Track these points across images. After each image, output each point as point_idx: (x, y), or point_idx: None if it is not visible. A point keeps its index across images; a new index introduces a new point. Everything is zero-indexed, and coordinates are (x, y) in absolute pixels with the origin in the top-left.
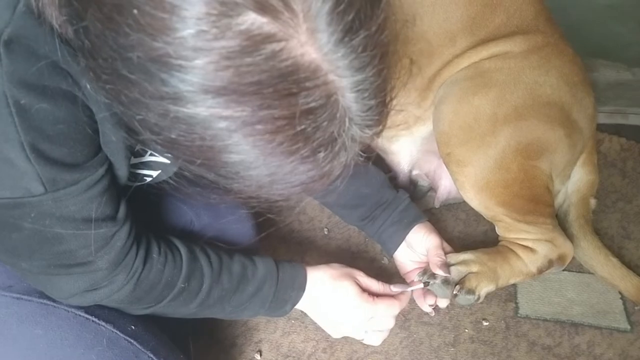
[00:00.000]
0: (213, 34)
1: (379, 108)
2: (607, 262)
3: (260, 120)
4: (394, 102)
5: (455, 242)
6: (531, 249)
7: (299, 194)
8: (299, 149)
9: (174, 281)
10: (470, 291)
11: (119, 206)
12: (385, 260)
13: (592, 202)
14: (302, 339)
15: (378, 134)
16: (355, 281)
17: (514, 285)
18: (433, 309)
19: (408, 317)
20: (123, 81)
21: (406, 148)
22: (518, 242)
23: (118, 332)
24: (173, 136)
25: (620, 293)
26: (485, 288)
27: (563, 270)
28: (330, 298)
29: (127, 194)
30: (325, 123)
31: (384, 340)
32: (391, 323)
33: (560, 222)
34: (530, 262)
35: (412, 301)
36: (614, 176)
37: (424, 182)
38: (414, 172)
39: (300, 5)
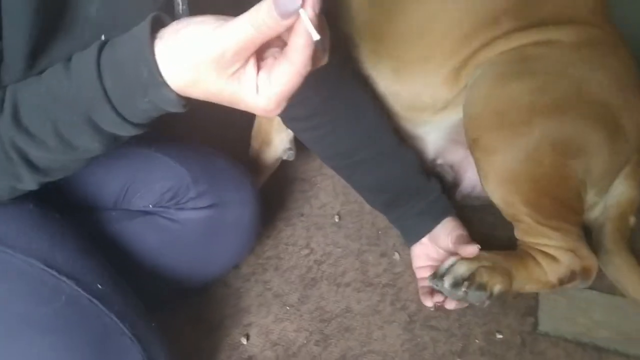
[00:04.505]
0: None
1: None
2: None
3: None
4: None
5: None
6: (553, 257)
7: None
8: None
9: None
10: (481, 286)
11: None
12: (397, 256)
13: (632, 220)
14: (295, 327)
15: None
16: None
17: (536, 299)
18: (438, 307)
19: (414, 319)
20: None
21: (432, 134)
22: (538, 247)
23: (80, 290)
24: None
25: None
26: (498, 285)
27: (592, 289)
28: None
29: None
30: None
31: (384, 341)
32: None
33: (595, 235)
34: (550, 271)
35: (419, 301)
36: None
37: (446, 175)
38: (439, 162)
39: None
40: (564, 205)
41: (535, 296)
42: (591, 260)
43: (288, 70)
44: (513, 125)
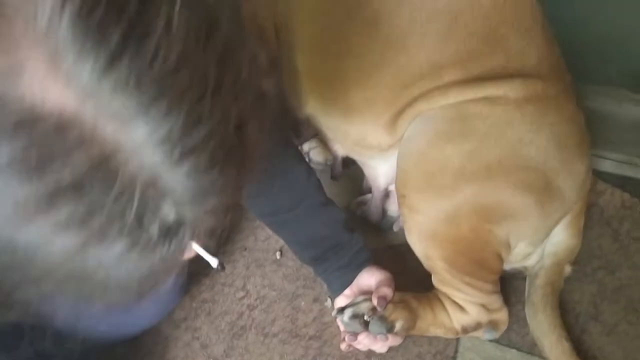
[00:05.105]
0: None
1: (214, 174)
2: (558, 344)
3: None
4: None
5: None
6: (460, 307)
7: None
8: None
9: None
10: (383, 318)
11: None
12: (328, 302)
13: (567, 269)
14: None
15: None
16: None
17: (455, 353)
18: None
19: None
20: None
21: (383, 166)
22: (449, 296)
23: None
24: None
25: None
26: (400, 320)
27: (512, 347)
28: None
29: None
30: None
31: None
32: None
33: (527, 285)
34: (455, 319)
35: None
36: (604, 237)
37: (393, 212)
38: (390, 188)
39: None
40: (480, 265)
41: (454, 355)
42: (501, 315)
43: None
44: (438, 188)
